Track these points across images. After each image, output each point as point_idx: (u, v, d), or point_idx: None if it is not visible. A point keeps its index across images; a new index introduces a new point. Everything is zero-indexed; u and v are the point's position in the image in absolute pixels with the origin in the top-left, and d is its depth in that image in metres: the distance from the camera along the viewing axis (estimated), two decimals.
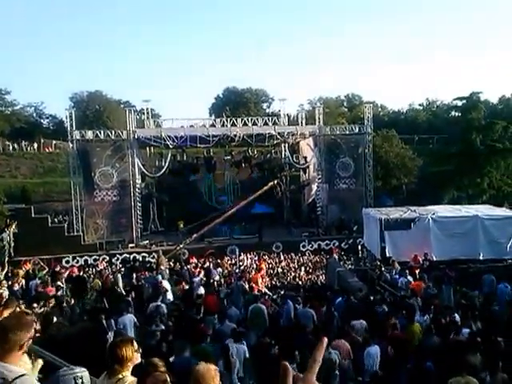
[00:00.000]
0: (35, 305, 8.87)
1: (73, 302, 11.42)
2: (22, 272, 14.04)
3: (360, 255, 21.21)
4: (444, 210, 18.15)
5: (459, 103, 33.25)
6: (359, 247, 21.68)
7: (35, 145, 42.05)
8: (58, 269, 17.43)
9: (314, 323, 9.13)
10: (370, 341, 7.52)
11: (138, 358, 3.33)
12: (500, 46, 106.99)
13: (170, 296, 12.23)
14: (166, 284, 12.74)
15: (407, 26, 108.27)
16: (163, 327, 8.67)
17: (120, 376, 3.15)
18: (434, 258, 15.45)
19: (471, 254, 15.63)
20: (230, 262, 20.51)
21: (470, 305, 10.02)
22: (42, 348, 3.91)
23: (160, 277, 13.62)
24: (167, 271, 15.57)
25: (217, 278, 15.27)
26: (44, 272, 16.57)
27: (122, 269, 18.88)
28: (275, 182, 25.41)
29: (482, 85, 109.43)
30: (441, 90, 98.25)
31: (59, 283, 12.92)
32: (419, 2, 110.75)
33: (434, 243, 16.05)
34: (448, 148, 32.61)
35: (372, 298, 10.86)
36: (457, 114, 36.45)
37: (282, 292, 13.93)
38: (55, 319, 7.63)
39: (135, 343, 3.38)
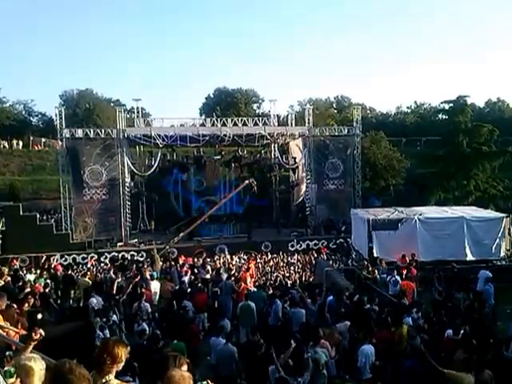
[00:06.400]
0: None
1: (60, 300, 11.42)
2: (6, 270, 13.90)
3: (354, 256, 21.30)
4: (431, 211, 18.42)
5: (446, 106, 33.50)
6: (351, 247, 21.76)
7: (24, 142, 41.65)
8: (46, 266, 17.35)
9: (302, 323, 9.20)
10: (364, 339, 7.56)
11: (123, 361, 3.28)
12: (489, 50, 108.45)
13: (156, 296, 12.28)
14: (154, 284, 12.72)
15: (397, 28, 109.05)
16: (150, 326, 8.71)
17: (103, 380, 3.11)
18: (420, 259, 15.65)
19: (457, 255, 15.85)
20: (218, 261, 20.53)
21: (455, 306, 10.21)
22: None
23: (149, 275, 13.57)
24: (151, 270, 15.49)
25: (206, 276, 15.26)
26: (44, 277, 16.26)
27: (109, 266, 18.82)
28: (250, 180, 25.65)
29: (468, 89, 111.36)
30: (429, 93, 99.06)
31: (48, 281, 12.91)
32: (413, 6, 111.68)
33: (421, 244, 16.26)
34: (435, 150, 32.84)
35: (360, 297, 10.97)
36: (444, 116, 36.77)
37: (271, 291, 14.00)
38: (40, 316, 7.65)
39: (125, 345, 3.38)
